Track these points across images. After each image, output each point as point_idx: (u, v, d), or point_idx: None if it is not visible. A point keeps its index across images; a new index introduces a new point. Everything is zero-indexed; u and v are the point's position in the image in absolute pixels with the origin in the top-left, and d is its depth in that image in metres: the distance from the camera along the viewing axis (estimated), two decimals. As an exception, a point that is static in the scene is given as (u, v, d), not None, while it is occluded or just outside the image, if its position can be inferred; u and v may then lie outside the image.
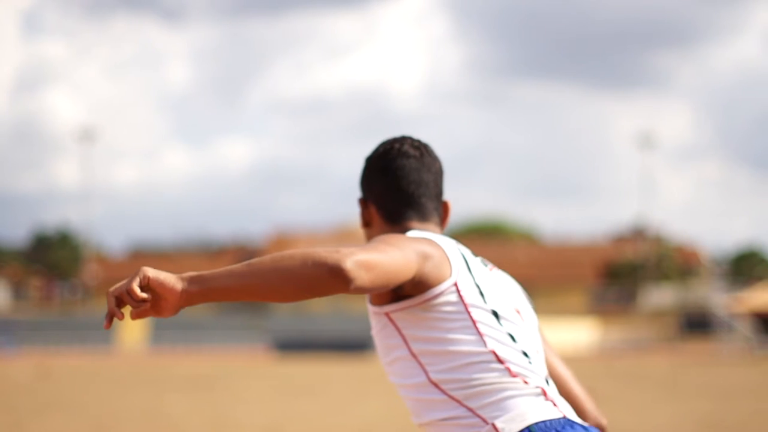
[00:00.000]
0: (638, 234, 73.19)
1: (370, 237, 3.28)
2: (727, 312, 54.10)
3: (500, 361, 3.03)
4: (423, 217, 3.26)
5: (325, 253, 2.75)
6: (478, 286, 3.09)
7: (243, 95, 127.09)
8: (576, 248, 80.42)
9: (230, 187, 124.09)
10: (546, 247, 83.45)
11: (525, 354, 3.09)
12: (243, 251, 78.30)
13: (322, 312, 63.53)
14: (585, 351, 50.19)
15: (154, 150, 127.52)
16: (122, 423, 16.26)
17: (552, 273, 75.01)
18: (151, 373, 32.77)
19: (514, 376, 3.03)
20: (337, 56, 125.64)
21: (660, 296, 67.99)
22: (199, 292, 2.77)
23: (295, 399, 21.44)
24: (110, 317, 2.76)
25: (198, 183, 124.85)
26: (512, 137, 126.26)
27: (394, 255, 2.89)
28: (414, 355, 3.06)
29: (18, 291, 79.22)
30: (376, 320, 3.13)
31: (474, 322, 3.04)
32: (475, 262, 3.17)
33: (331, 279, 2.74)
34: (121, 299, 2.76)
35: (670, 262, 74.16)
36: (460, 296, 3.04)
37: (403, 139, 3.31)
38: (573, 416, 3.08)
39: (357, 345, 46.66)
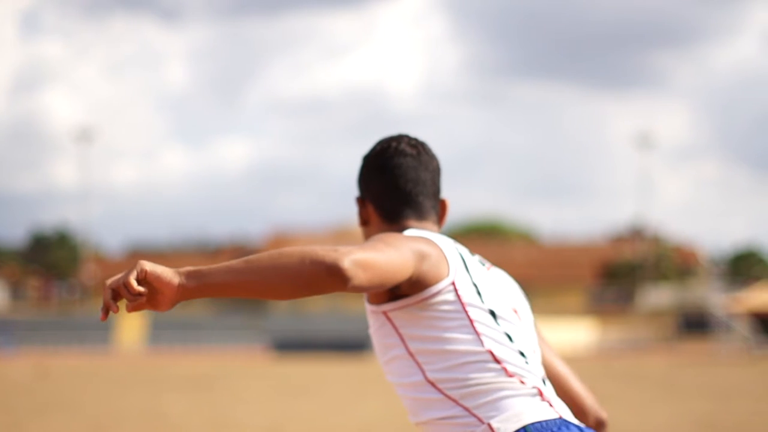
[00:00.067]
0: (636, 234, 73.22)
1: (368, 235, 3.28)
2: (725, 312, 54.11)
3: (497, 360, 3.03)
4: (420, 215, 3.26)
5: (323, 251, 2.76)
6: (475, 285, 3.09)
7: (241, 95, 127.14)
8: (574, 248, 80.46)
9: (228, 187, 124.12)
10: (544, 247, 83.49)
11: (522, 354, 3.09)
12: (241, 251, 78.22)
13: (320, 312, 63.52)
14: (583, 351, 50.19)
15: (153, 150, 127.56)
16: (121, 423, 16.26)
17: (550, 273, 75.04)
18: (150, 373, 32.76)
19: (510, 376, 3.03)
20: (336, 56, 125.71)
21: (658, 296, 67.99)
22: (196, 287, 2.78)
23: (294, 399, 21.44)
24: (106, 310, 2.77)
25: (196, 183, 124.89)
26: (510, 137, 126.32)
27: (392, 254, 2.89)
28: (411, 354, 3.07)
29: (16, 291, 79.18)
30: (374, 319, 3.13)
31: (471, 321, 3.04)
32: (473, 261, 3.17)
33: (328, 277, 2.75)
34: (118, 292, 2.76)
35: (668, 262, 74.19)
36: (458, 295, 3.04)
37: (400, 138, 3.31)
38: (569, 416, 3.08)
39: (355, 345, 46.66)
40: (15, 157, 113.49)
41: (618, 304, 71.13)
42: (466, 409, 3.01)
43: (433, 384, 3.04)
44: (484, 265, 3.23)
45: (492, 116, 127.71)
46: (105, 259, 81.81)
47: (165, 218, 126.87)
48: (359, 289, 2.82)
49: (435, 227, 3.29)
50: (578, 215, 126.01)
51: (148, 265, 2.76)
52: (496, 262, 3.57)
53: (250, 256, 2.79)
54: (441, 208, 3.34)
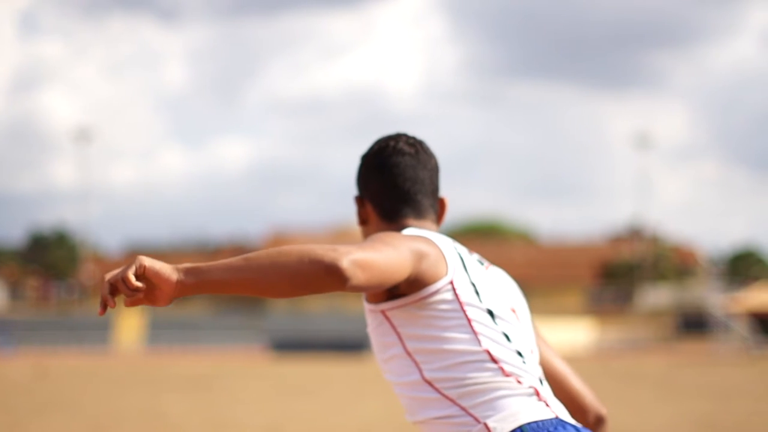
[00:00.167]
0: (635, 234, 73.23)
1: (366, 235, 3.28)
2: (723, 312, 54.11)
3: (494, 360, 3.04)
4: (419, 214, 3.26)
5: (322, 250, 2.76)
6: (473, 285, 3.09)
7: (240, 95, 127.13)
8: (573, 248, 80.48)
9: (227, 187, 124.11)
10: (543, 247, 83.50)
11: (519, 354, 3.09)
12: (240, 251, 78.22)
13: (319, 312, 63.51)
14: (582, 351, 50.18)
15: (151, 150, 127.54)
16: (120, 423, 16.25)
17: (549, 273, 75.06)
18: (149, 373, 32.75)
19: (507, 375, 3.03)
20: (335, 56, 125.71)
21: (657, 296, 68.02)
22: (194, 284, 2.78)
23: (293, 399, 21.43)
24: (104, 304, 2.77)
25: (195, 183, 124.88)
26: (509, 137, 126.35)
27: (390, 254, 2.90)
28: (409, 353, 3.07)
29: (15, 291, 79.17)
30: (372, 318, 3.13)
31: (469, 320, 3.04)
32: (471, 260, 3.17)
33: (326, 277, 2.75)
34: (116, 287, 2.77)
35: (666, 262, 74.22)
36: (456, 295, 3.05)
37: (398, 137, 3.31)
38: (565, 416, 3.08)
39: (354, 345, 46.65)
40: (14, 157, 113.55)
41: (617, 304, 71.16)
42: (463, 408, 3.02)
43: (430, 383, 3.04)
44: (482, 264, 3.23)
45: (491, 116, 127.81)
46: (104, 259, 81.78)
47: (164, 218, 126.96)
48: (358, 289, 2.82)
49: (434, 226, 3.29)
50: (577, 215, 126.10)
51: (147, 261, 2.76)
52: (495, 262, 3.57)
53: (249, 254, 2.79)
54: (440, 206, 3.35)
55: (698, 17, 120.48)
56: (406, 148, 3.28)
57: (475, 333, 3.04)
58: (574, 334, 55.32)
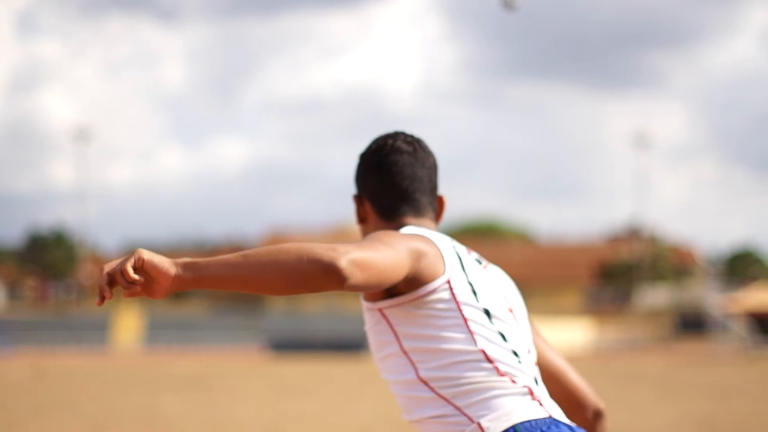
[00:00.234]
0: (633, 234, 73.22)
1: (365, 233, 3.28)
2: (722, 312, 54.15)
3: (489, 360, 3.04)
4: (418, 212, 3.27)
5: (321, 249, 2.76)
6: (471, 284, 3.09)
7: (238, 95, 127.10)
8: (571, 248, 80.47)
9: (225, 186, 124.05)
10: (541, 247, 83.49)
11: (515, 353, 3.10)
12: (238, 251, 78.25)
13: (318, 312, 63.51)
14: (580, 351, 50.20)
15: (150, 150, 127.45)
16: (118, 423, 16.25)
17: (547, 273, 75.05)
18: (147, 373, 32.75)
19: (502, 375, 3.04)
20: (332, 56, 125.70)
21: (655, 296, 68.00)
22: (192, 278, 2.79)
23: (291, 399, 21.43)
24: (102, 295, 2.77)
25: (193, 183, 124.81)
26: (508, 137, 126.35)
27: (389, 254, 2.90)
28: (405, 352, 3.07)
29: (13, 291, 79.14)
30: (370, 316, 3.14)
31: (465, 320, 3.05)
32: (469, 259, 3.17)
33: (325, 276, 2.75)
34: (114, 278, 2.77)
35: (665, 262, 74.21)
36: (453, 294, 3.05)
37: (396, 135, 3.31)
38: (559, 416, 3.09)
39: (352, 345, 46.66)
40: (12, 157, 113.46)
41: (615, 304, 71.13)
42: (457, 408, 3.02)
43: (425, 382, 3.05)
44: (481, 263, 3.23)
45: (489, 116, 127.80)
46: (102, 258, 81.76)
47: (162, 218, 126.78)
48: (356, 289, 2.83)
49: (432, 224, 3.29)
50: (575, 215, 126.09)
51: (146, 254, 2.77)
52: (493, 262, 3.56)
53: (248, 251, 2.80)
54: (438, 204, 3.35)
55: (697, 17, 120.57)
56: (405, 147, 3.28)
57: (471, 333, 3.04)
58: (573, 334, 55.33)
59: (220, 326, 59.41)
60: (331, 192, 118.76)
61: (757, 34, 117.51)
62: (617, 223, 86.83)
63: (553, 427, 3.01)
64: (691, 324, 59.80)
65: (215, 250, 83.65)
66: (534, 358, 3.23)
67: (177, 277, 2.78)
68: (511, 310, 3.19)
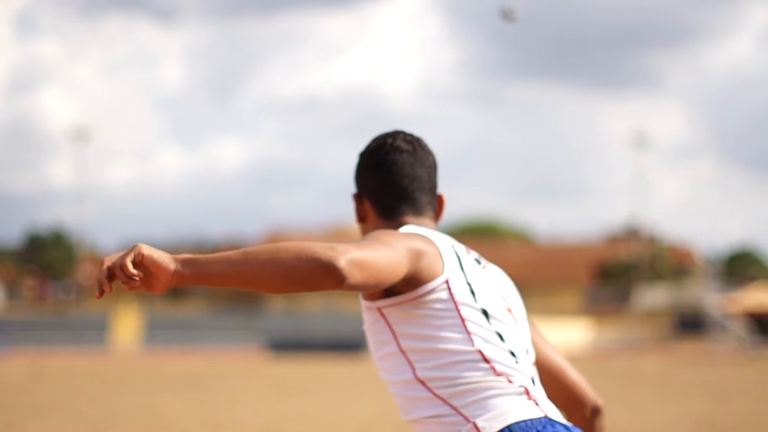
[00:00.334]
0: (632, 234, 73.22)
1: (365, 232, 3.29)
2: (720, 312, 54.14)
3: (486, 360, 3.04)
4: (417, 211, 3.27)
5: (320, 248, 2.76)
6: (469, 285, 3.09)
7: (236, 95, 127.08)
8: (569, 248, 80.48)
9: (224, 186, 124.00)
10: (539, 247, 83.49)
11: (512, 353, 3.10)
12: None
13: (316, 312, 63.49)
14: (579, 351, 50.19)
15: (148, 150, 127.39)
16: (117, 423, 16.24)
17: (546, 273, 75.05)
18: (146, 373, 32.74)
19: (498, 375, 3.04)
20: (331, 56, 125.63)
21: (654, 296, 68.01)
22: (191, 275, 2.79)
23: (290, 399, 21.43)
24: (101, 288, 2.78)
25: (192, 183, 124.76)
26: (506, 137, 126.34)
27: (388, 253, 2.90)
28: (403, 352, 3.07)
29: (11, 291, 79.13)
30: (369, 315, 3.14)
31: (463, 320, 3.05)
32: (468, 259, 3.17)
33: (323, 276, 2.76)
34: (113, 272, 2.78)
35: (663, 262, 74.23)
36: (451, 294, 3.05)
37: (395, 134, 3.31)
38: (555, 415, 3.09)
39: (351, 345, 46.65)
40: (11, 157, 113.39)
41: (613, 304, 71.12)
42: (454, 408, 3.03)
43: (422, 382, 3.05)
44: (480, 263, 3.23)
45: (488, 116, 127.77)
46: (101, 259, 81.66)
47: (161, 218, 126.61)
48: (355, 288, 2.83)
49: (432, 223, 3.29)
50: (574, 215, 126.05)
51: (146, 249, 2.78)
52: (492, 262, 3.56)
53: (248, 248, 2.80)
54: (438, 203, 3.35)
55: (695, 17, 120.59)
56: (404, 146, 3.29)
57: (468, 333, 3.05)
58: (571, 334, 55.33)
59: (219, 326, 59.39)
60: (329, 192, 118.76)
61: (755, 34, 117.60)
62: (616, 223, 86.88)
63: (548, 426, 3.02)
64: (690, 324, 59.81)
65: (214, 250, 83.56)
66: (532, 358, 3.23)
67: (176, 272, 2.78)
68: (509, 310, 3.20)
